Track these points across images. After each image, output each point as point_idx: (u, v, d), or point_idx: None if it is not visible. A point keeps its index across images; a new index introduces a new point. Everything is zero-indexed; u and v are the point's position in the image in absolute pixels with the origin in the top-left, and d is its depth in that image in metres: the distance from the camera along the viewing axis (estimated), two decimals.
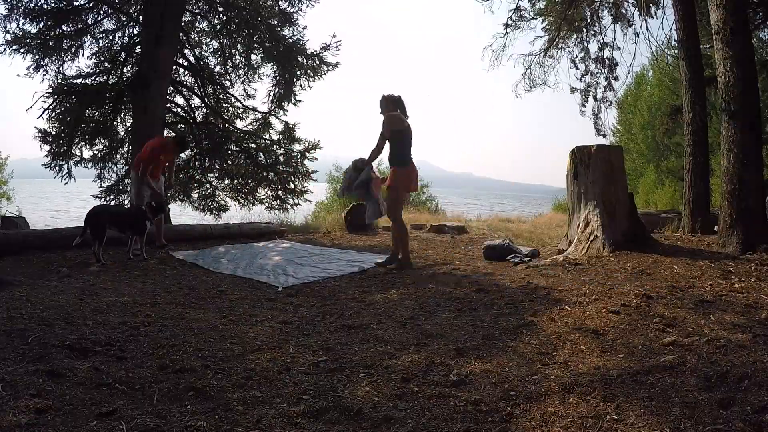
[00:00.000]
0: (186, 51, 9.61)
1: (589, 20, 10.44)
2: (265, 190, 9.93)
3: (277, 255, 6.16)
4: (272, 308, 3.77)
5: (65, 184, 9.11)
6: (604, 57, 10.76)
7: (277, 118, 9.94)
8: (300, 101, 9.86)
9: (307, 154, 9.87)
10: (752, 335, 2.69)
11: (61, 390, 2.11)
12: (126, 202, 9.25)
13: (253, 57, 9.94)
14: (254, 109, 10.06)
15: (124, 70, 9.22)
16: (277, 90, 9.83)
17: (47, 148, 8.79)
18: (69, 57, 8.88)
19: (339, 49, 9.53)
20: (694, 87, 7.27)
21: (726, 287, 3.75)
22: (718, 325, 2.89)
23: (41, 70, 8.68)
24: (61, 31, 8.58)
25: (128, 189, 9.29)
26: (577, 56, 10.92)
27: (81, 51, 8.98)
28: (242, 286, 4.55)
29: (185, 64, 9.61)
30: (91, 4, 8.75)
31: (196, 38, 10.04)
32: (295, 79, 9.72)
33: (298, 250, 6.56)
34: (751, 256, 4.74)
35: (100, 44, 9.19)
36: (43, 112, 8.47)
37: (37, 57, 8.55)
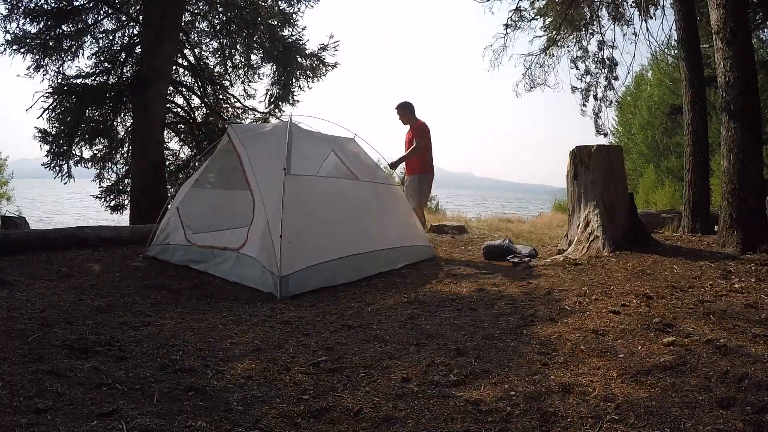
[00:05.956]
0: (186, 51, 9.61)
1: (588, 20, 10.43)
2: None
3: None
4: (272, 308, 3.77)
5: (65, 183, 9.11)
6: (604, 57, 10.76)
7: (277, 118, 9.94)
8: (298, 101, 9.89)
9: None
10: (752, 335, 2.69)
11: (61, 390, 2.11)
12: (126, 202, 9.25)
13: (252, 57, 9.95)
14: (254, 110, 10.07)
15: (124, 70, 9.22)
16: (275, 90, 9.84)
17: (47, 148, 8.79)
18: (69, 57, 8.88)
19: (336, 50, 9.55)
20: (694, 87, 7.26)
21: (726, 287, 3.74)
22: (718, 325, 2.89)
23: (41, 70, 8.68)
24: (61, 31, 8.57)
25: (128, 189, 9.29)
26: (577, 56, 10.93)
27: (81, 51, 8.99)
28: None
29: (185, 64, 9.61)
30: (91, 4, 8.75)
31: (196, 38, 10.04)
32: (294, 80, 9.73)
33: None
34: (751, 256, 4.73)
35: (100, 44, 9.20)
36: (43, 112, 8.47)
37: (37, 57, 8.55)
